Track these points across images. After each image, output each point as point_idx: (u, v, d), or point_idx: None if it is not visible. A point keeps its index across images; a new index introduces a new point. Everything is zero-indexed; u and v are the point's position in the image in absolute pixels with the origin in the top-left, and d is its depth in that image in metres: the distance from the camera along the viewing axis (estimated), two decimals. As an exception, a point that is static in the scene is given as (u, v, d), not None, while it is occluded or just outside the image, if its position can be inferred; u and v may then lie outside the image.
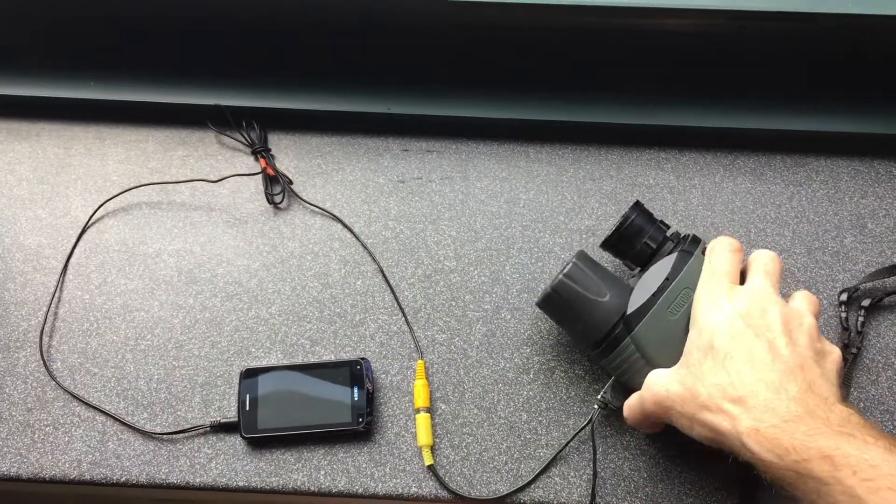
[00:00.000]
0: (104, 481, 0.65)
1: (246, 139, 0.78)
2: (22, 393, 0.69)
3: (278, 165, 0.78)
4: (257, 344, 0.70)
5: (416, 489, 0.65)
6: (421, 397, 0.67)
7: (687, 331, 0.57)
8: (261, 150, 0.77)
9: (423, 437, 0.66)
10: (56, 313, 0.72)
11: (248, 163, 0.79)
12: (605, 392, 0.64)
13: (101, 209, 0.76)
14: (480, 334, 0.71)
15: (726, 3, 0.71)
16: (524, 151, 0.79)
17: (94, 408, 0.68)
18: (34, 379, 0.69)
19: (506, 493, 0.64)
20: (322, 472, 0.65)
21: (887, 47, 0.75)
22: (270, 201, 0.76)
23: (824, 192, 0.76)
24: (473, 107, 0.78)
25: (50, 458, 0.66)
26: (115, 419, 0.67)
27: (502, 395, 0.68)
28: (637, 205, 0.64)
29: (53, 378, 0.69)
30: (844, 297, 0.70)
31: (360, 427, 0.66)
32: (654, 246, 0.63)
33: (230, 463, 0.66)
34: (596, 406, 0.64)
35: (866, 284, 0.71)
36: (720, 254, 0.59)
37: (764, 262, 0.58)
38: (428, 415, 0.67)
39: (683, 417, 0.54)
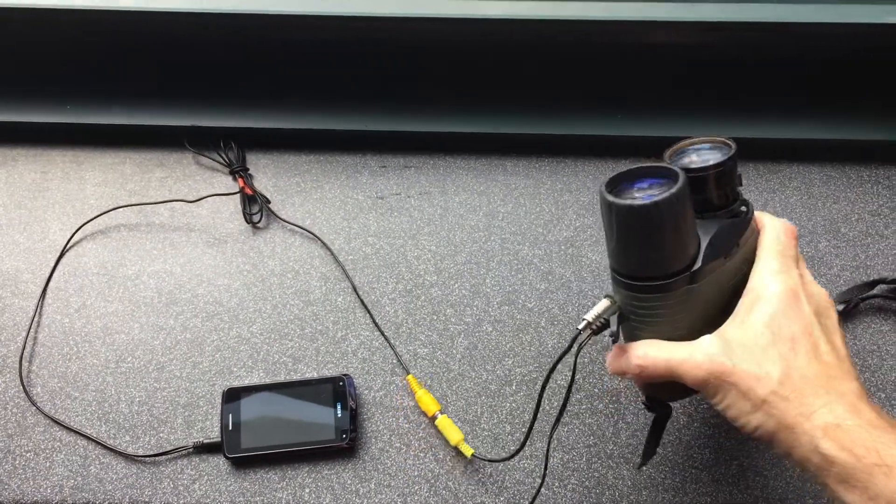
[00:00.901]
0: (87, 506, 0.65)
1: (224, 159, 0.78)
2: (2, 419, 0.68)
3: (257, 184, 0.78)
4: (239, 363, 0.70)
5: (401, 504, 0.65)
6: (430, 405, 0.67)
7: (725, 303, 0.53)
8: (239, 170, 0.78)
9: (453, 435, 0.66)
10: (35, 338, 0.72)
11: (227, 183, 0.79)
12: (603, 318, 0.53)
13: (79, 232, 0.76)
14: (462, 347, 0.71)
15: (699, 16, 0.72)
16: (501, 165, 0.80)
17: (76, 432, 0.67)
18: (14, 404, 0.69)
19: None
20: (307, 490, 0.65)
21: (857, 55, 0.76)
22: (249, 221, 0.76)
23: (798, 199, 0.77)
24: (450, 122, 0.79)
25: (31, 483, 0.66)
26: (97, 443, 0.67)
27: (486, 408, 0.68)
28: (735, 152, 0.53)
29: (34, 403, 0.69)
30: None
31: (345, 444, 0.66)
32: (729, 198, 0.53)
33: (214, 483, 0.66)
34: (582, 326, 0.53)
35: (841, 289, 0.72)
36: (787, 236, 0.54)
37: (800, 255, 0.55)
38: (444, 416, 0.67)
39: (746, 399, 0.48)
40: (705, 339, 0.51)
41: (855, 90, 0.79)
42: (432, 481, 0.66)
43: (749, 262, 0.53)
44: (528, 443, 0.60)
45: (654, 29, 0.74)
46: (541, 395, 0.57)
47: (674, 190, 0.47)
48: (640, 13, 0.72)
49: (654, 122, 0.79)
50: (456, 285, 0.74)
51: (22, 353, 0.71)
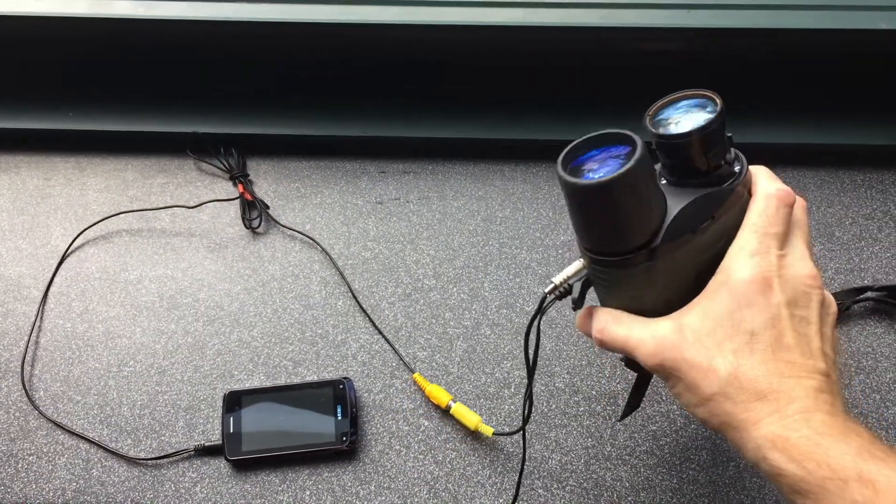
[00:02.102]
0: (89, 509, 0.66)
1: (224, 165, 0.79)
2: (4, 423, 0.69)
3: (257, 190, 0.79)
4: (240, 367, 0.71)
5: (401, 506, 0.65)
6: (442, 397, 0.68)
7: (698, 282, 0.49)
8: (239, 176, 0.78)
9: (471, 420, 0.67)
10: (38, 342, 0.72)
11: (227, 188, 0.79)
12: (568, 282, 0.51)
13: (81, 237, 0.77)
14: (461, 350, 0.71)
15: (694, 22, 0.73)
16: (500, 170, 0.80)
17: (78, 435, 0.68)
18: (17, 408, 0.69)
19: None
20: (307, 493, 0.66)
21: (851, 61, 0.77)
22: (248, 226, 0.77)
23: (792, 203, 0.78)
24: (449, 128, 0.80)
25: (34, 487, 0.66)
26: (99, 446, 0.68)
27: (484, 410, 0.69)
28: (722, 111, 0.47)
29: (36, 407, 0.69)
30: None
31: (345, 446, 0.66)
32: (711, 164, 0.47)
33: (215, 486, 0.66)
34: (549, 289, 0.51)
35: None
36: (776, 208, 0.48)
37: (803, 224, 0.50)
38: (458, 403, 0.68)
39: (692, 393, 0.47)
40: (663, 324, 0.49)
41: (848, 95, 0.80)
42: (432, 483, 0.66)
43: (734, 231, 0.48)
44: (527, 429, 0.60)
45: (651, 35, 0.75)
46: (529, 365, 0.55)
47: (628, 166, 0.43)
48: (638, 20, 0.73)
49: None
50: (454, 289, 0.74)
51: (24, 357, 0.71)
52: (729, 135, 0.48)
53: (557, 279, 0.51)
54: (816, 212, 0.78)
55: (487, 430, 0.66)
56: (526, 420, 0.60)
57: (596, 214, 0.46)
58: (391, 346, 0.71)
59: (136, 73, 0.81)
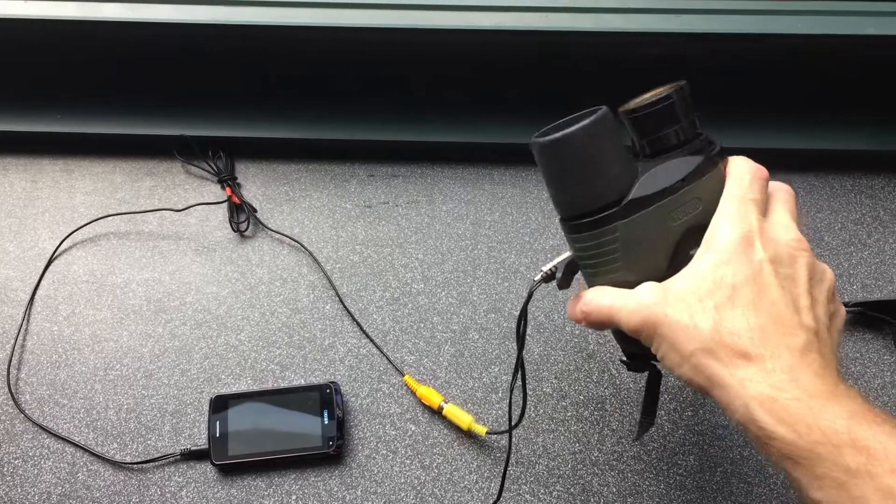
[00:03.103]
0: (74, 513, 0.65)
1: (212, 168, 0.79)
2: (-10, 426, 0.69)
3: (246, 193, 0.79)
4: (227, 371, 0.71)
5: (387, 511, 0.65)
6: (433, 398, 0.68)
7: (678, 245, 0.50)
8: (227, 179, 0.78)
9: (463, 420, 0.67)
10: (24, 345, 0.72)
11: (216, 191, 0.79)
12: (554, 266, 0.54)
13: (68, 240, 0.76)
14: (449, 355, 0.71)
15: (685, 27, 0.73)
16: (489, 174, 0.80)
17: (64, 439, 0.68)
18: (2, 412, 0.69)
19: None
20: (294, 497, 0.66)
21: (840, 66, 0.77)
22: (236, 230, 0.77)
23: (781, 207, 0.78)
24: (438, 131, 0.80)
25: (19, 490, 0.66)
26: (85, 450, 0.67)
27: (472, 415, 0.69)
28: (684, 88, 0.53)
29: (21, 410, 0.69)
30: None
31: (331, 451, 0.66)
32: (681, 138, 0.51)
33: (201, 491, 0.66)
34: (538, 277, 0.54)
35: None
36: (752, 178, 0.50)
37: (788, 198, 0.51)
38: (450, 404, 0.68)
39: (675, 352, 0.47)
40: (646, 287, 0.49)
41: (837, 100, 0.80)
42: (418, 488, 0.66)
43: (711, 210, 0.49)
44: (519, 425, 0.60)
45: (639, 40, 0.75)
46: (519, 357, 0.57)
47: (584, 122, 0.49)
48: (626, 25, 0.73)
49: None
50: (443, 293, 0.74)
51: (10, 361, 0.71)
52: (697, 114, 0.52)
53: (546, 267, 0.53)
54: (805, 217, 0.78)
55: (480, 430, 0.66)
56: (521, 415, 0.61)
57: (560, 170, 0.51)
58: (379, 349, 0.71)
59: (125, 75, 0.81)
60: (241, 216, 0.77)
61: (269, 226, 0.77)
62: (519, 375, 0.57)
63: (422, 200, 0.79)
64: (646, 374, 0.56)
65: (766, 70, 0.79)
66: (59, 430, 0.68)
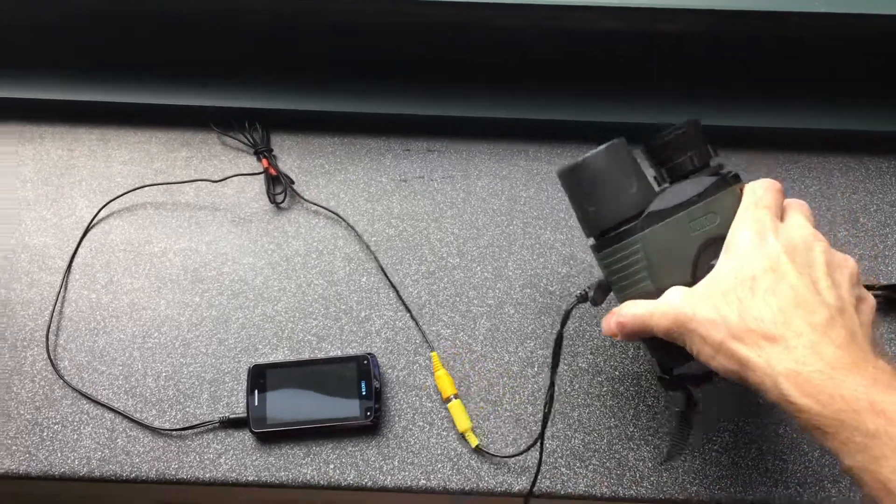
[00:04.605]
0: (114, 478, 0.66)
1: (248, 140, 0.79)
2: (30, 391, 0.69)
3: (281, 166, 0.79)
4: (264, 341, 0.71)
5: (424, 482, 0.66)
6: (446, 387, 0.68)
7: (700, 252, 0.54)
8: (263, 151, 0.78)
9: (462, 422, 0.67)
10: (62, 312, 0.72)
11: (251, 163, 0.79)
12: (588, 288, 0.60)
13: (105, 209, 0.77)
14: (484, 329, 0.72)
15: (719, 4, 0.73)
16: (524, 150, 0.80)
17: (103, 405, 0.68)
18: (42, 377, 0.70)
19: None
20: (331, 466, 0.66)
21: (878, 45, 0.77)
22: (272, 201, 0.77)
23: (817, 189, 0.78)
24: (474, 107, 0.79)
25: (59, 455, 0.66)
26: (124, 416, 0.68)
27: (507, 389, 0.69)
28: (695, 122, 0.59)
29: (61, 376, 0.69)
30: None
31: (369, 421, 0.66)
32: (696, 164, 0.58)
33: (239, 458, 0.66)
34: (575, 298, 0.60)
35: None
36: (765, 190, 0.54)
37: (801, 206, 0.55)
38: (458, 401, 0.68)
39: (707, 345, 0.50)
40: (673, 290, 0.53)
41: (875, 81, 0.80)
42: (455, 460, 0.66)
43: (729, 222, 0.54)
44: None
45: (672, 16, 0.75)
46: (552, 383, 0.62)
47: (599, 149, 0.58)
48: (654, 1, 0.73)
49: (675, 111, 0.79)
50: (478, 268, 0.74)
51: (49, 327, 0.71)
52: (711, 144, 0.59)
53: (579, 291, 0.60)
54: (841, 198, 0.78)
55: (472, 440, 0.66)
56: (525, 450, 0.66)
57: (581, 191, 0.59)
58: (415, 321, 0.71)
59: (162, 45, 0.81)
60: (278, 188, 0.77)
61: (306, 198, 0.77)
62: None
63: (457, 175, 0.79)
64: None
65: (801, 50, 0.78)
66: (98, 397, 0.69)
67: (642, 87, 0.81)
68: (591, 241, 0.60)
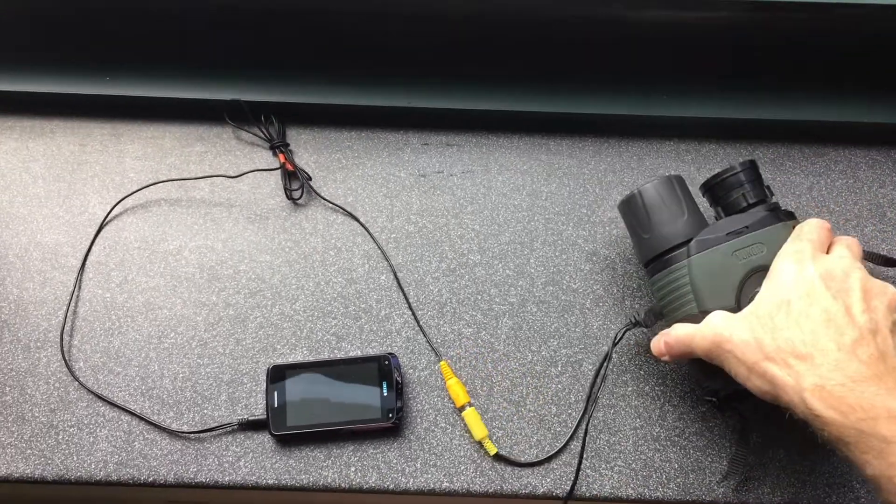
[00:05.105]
0: (131, 482, 0.65)
1: (264, 134, 0.78)
2: (44, 393, 0.68)
3: (298, 161, 0.77)
4: (283, 340, 0.70)
5: (447, 484, 0.65)
6: (459, 396, 0.67)
7: (745, 280, 0.58)
8: (279, 146, 0.77)
9: (478, 431, 0.65)
10: (76, 312, 0.71)
11: (267, 158, 0.78)
12: (638, 313, 0.67)
13: (119, 206, 0.75)
14: (507, 328, 0.70)
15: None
16: (545, 144, 0.79)
17: (119, 407, 0.67)
18: (56, 379, 0.68)
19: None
20: (353, 469, 0.65)
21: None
22: (289, 197, 0.75)
23: (843, 182, 0.77)
24: (493, 100, 0.78)
25: (75, 458, 0.65)
26: (141, 418, 0.67)
27: (531, 389, 0.68)
28: (751, 162, 0.64)
29: (76, 378, 0.68)
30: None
31: (391, 423, 0.65)
32: (749, 201, 0.63)
33: (259, 461, 0.65)
34: (628, 322, 0.67)
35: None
36: (811, 226, 0.58)
37: (849, 242, 0.57)
38: (473, 408, 0.66)
39: (742, 365, 0.53)
40: (716, 313, 0.57)
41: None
42: (478, 462, 0.65)
43: (774, 254, 0.58)
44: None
45: (700, 8, 0.73)
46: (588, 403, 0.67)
47: (653, 181, 0.64)
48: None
49: (699, 104, 0.78)
50: (500, 265, 0.73)
51: (63, 328, 0.70)
52: (767, 185, 0.64)
53: (632, 318, 0.67)
54: (868, 192, 0.76)
55: (491, 449, 0.65)
56: (545, 460, 0.66)
57: (635, 219, 0.65)
58: (422, 330, 0.70)
59: (175, 37, 0.79)
60: (295, 184, 0.75)
61: (322, 194, 0.76)
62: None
63: (477, 170, 0.77)
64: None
65: (831, 42, 0.77)
66: (114, 398, 0.67)
67: (667, 80, 0.79)
68: (645, 265, 0.65)
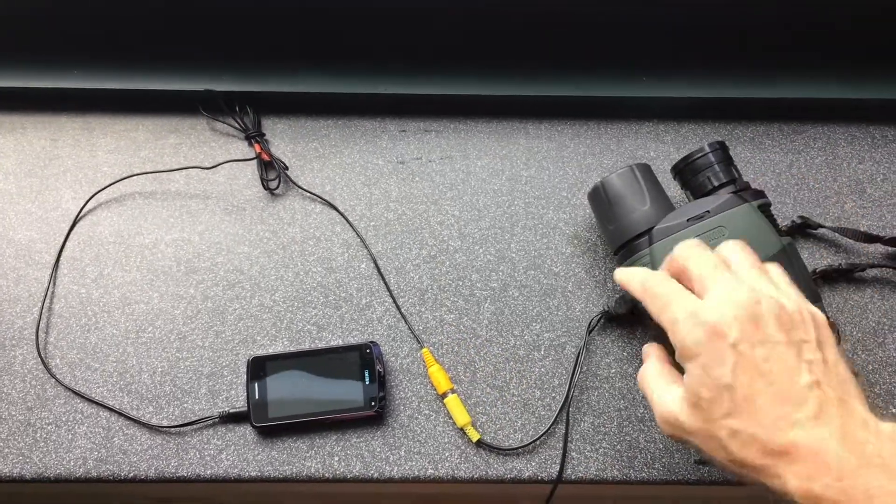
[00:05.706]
0: (112, 478, 0.64)
1: (239, 124, 0.77)
2: (21, 391, 0.67)
3: (274, 150, 0.76)
4: (262, 332, 0.69)
5: (432, 471, 0.64)
6: (441, 383, 0.66)
7: None
8: (255, 136, 0.76)
9: (460, 417, 0.65)
10: (51, 308, 0.70)
11: (243, 148, 0.77)
12: (608, 302, 0.67)
13: (93, 200, 0.74)
14: (489, 313, 0.70)
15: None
16: (523, 128, 0.78)
17: (98, 403, 0.66)
18: (33, 377, 0.67)
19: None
20: (336, 459, 0.64)
21: (882, 13, 0.75)
22: (266, 187, 0.74)
23: (823, 159, 0.77)
24: (471, 84, 0.77)
25: (54, 456, 0.64)
26: (120, 414, 0.66)
27: (514, 374, 0.67)
28: (720, 143, 0.65)
29: (53, 375, 0.67)
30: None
31: (374, 411, 0.64)
32: (714, 183, 0.64)
33: (241, 453, 0.64)
34: (598, 314, 0.68)
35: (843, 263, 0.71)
36: (660, 277, 0.53)
37: (726, 257, 0.52)
38: (455, 395, 0.66)
39: (710, 456, 0.48)
40: (672, 395, 0.50)
41: (880, 49, 0.78)
42: (463, 448, 0.65)
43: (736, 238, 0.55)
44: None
45: None
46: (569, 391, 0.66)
47: (618, 171, 0.65)
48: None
49: (678, 85, 0.78)
50: (481, 250, 0.72)
51: (38, 325, 0.69)
52: (735, 168, 0.65)
53: (602, 307, 0.68)
54: (847, 168, 0.76)
55: (473, 435, 0.64)
56: (528, 444, 0.65)
57: (602, 209, 0.66)
58: (403, 317, 0.69)
59: (145, 28, 0.78)
60: (272, 173, 0.75)
61: (300, 183, 0.75)
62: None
63: (456, 156, 0.77)
64: None
65: (807, 18, 0.77)
66: (92, 395, 0.66)
67: (641, 61, 0.79)
68: (612, 254, 0.67)
